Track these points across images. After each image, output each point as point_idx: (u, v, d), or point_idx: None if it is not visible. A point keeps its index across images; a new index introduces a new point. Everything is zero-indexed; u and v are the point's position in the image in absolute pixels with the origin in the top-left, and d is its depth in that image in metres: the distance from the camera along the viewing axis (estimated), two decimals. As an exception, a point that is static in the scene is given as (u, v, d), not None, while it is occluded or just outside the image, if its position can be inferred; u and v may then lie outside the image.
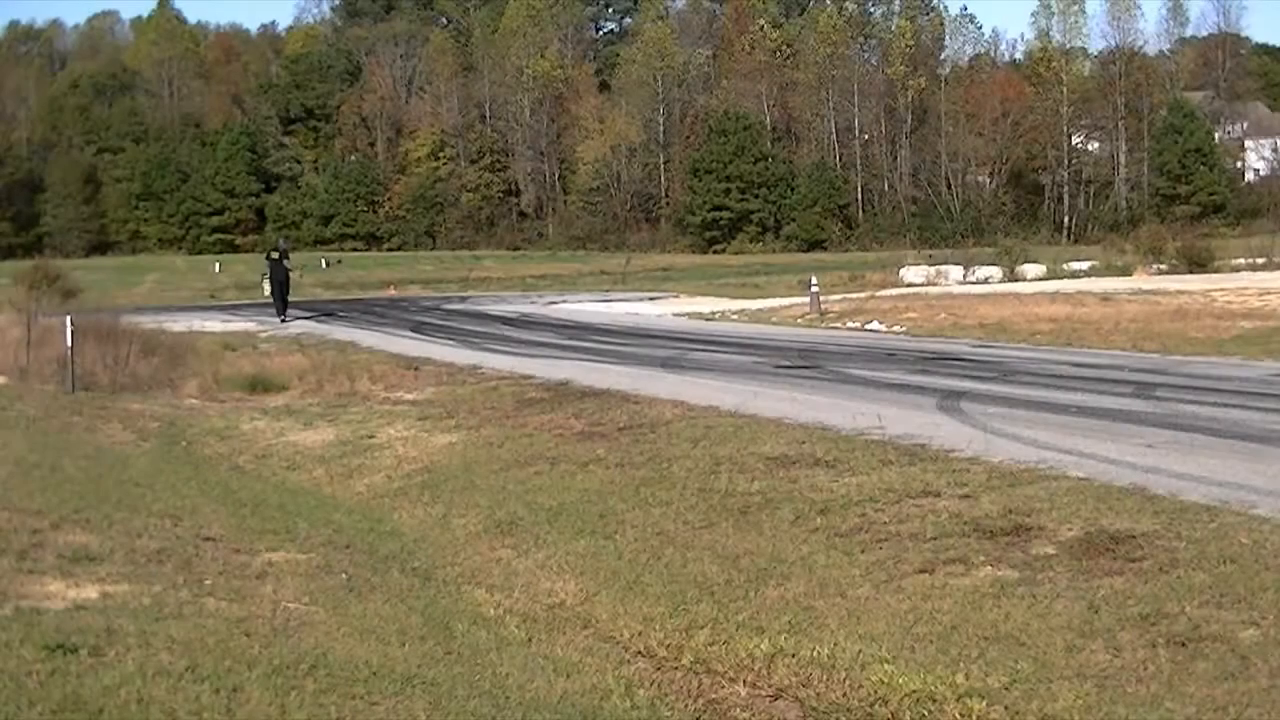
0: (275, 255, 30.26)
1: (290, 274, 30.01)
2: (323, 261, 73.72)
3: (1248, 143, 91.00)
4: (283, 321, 27.69)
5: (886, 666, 5.51)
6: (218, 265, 62.35)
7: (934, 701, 5.16)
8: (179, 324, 25.83)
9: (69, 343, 16.00)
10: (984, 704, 5.07)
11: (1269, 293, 22.57)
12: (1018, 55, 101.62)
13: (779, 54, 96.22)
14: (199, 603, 5.93)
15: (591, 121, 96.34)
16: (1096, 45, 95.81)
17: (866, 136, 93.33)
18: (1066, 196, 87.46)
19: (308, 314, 30.79)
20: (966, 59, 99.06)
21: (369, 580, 7.05)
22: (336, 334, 24.35)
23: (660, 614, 6.59)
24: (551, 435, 11.21)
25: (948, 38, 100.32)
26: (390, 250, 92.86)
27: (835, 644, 5.83)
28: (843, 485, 8.19)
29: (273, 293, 29.43)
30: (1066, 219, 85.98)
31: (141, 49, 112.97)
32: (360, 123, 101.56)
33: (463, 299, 41.38)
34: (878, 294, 29.37)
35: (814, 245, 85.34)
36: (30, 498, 8.02)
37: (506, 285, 53.31)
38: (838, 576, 6.69)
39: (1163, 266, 36.51)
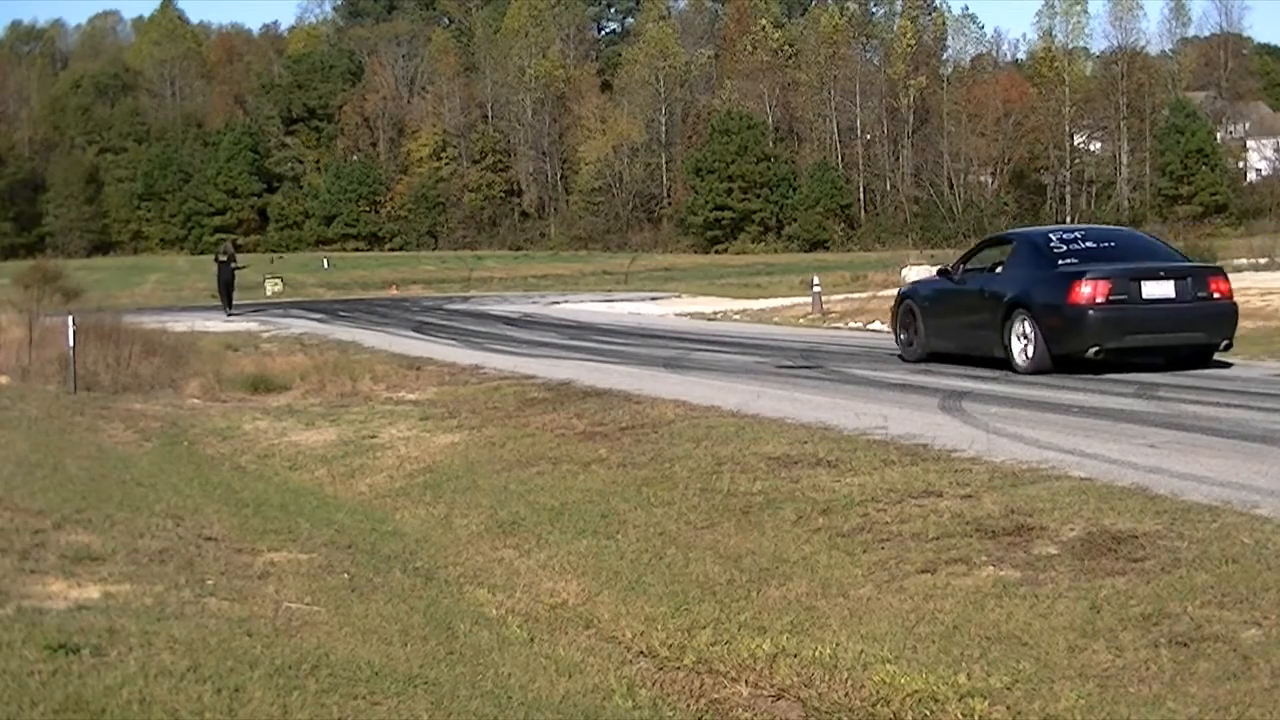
0: (223, 258, 34.28)
1: (237, 274, 33.95)
2: (324, 261, 73.72)
3: (1249, 143, 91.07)
4: (229, 316, 31.55)
5: (889, 666, 5.51)
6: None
7: (936, 701, 5.16)
8: (181, 324, 25.86)
9: (71, 343, 16.01)
10: (986, 704, 5.07)
11: (1271, 293, 22.55)
12: (1019, 55, 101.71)
13: (781, 54, 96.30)
14: (201, 603, 5.93)
15: (594, 121, 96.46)
16: (1099, 45, 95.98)
17: (869, 136, 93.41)
18: (1069, 196, 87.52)
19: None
20: (968, 59, 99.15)
21: (371, 580, 7.06)
22: (338, 334, 24.38)
23: (662, 614, 6.59)
24: (554, 435, 11.21)
25: (949, 38, 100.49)
26: (392, 250, 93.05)
27: (837, 644, 5.83)
28: (845, 485, 8.19)
29: (219, 291, 33.83)
30: (1069, 219, 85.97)
31: (143, 49, 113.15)
32: (362, 123, 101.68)
33: (465, 299, 41.42)
34: (880, 294, 29.35)
35: (816, 245, 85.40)
36: (32, 497, 8.02)
37: (509, 285, 53.36)
38: (840, 576, 6.68)
39: (1165, 266, 36.43)
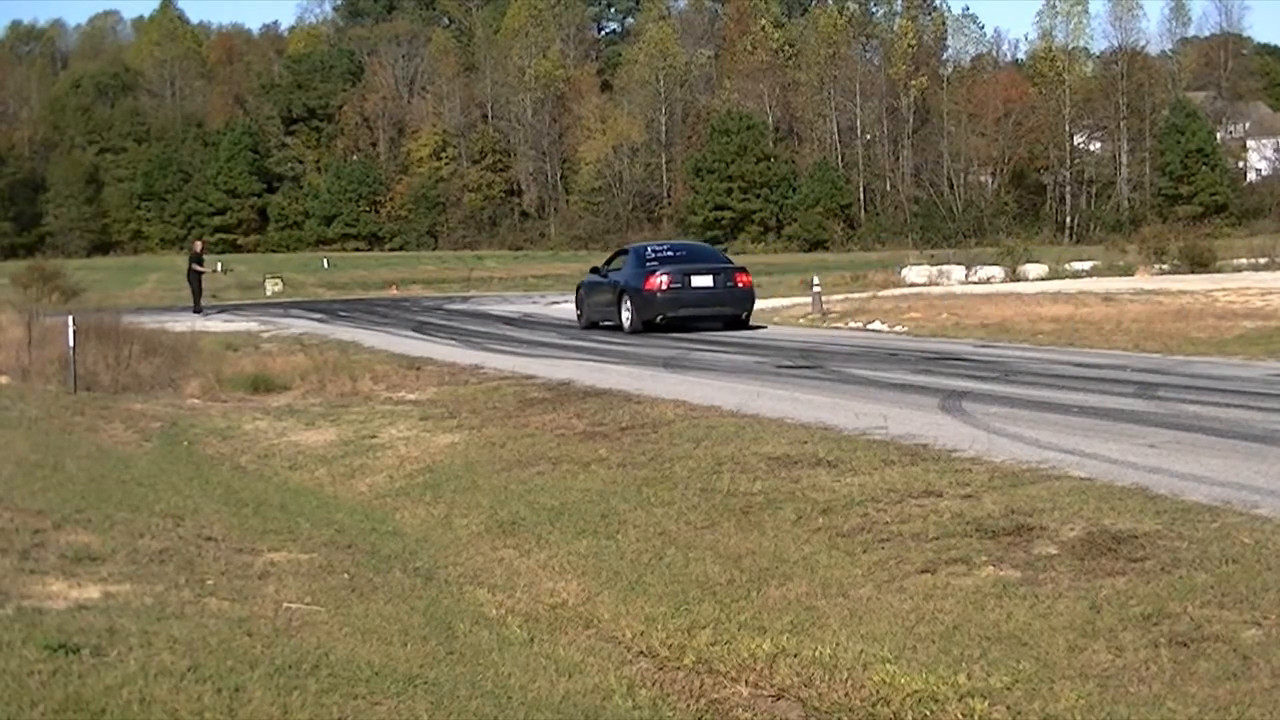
0: (189, 259, 35.42)
1: (202, 274, 34.73)
2: (324, 261, 73.75)
3: (1249, 142, 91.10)
4: (198, 313, 32.25)
5: (889, 666, 5.51)
6: (219, 265, 62.29)
7: (936, 701, 5.16)
8: (181, 324, 25.85)
9: (71, 343, 16.01)
10: (986, 704, 5.07)
11: (1271, 292, 22.56)
12: (1019, 55, 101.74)
13: (781, 54, 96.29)
14: (201, 603, 5.93)
15: (593, 121, 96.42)
16: (1099, 45, 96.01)
17: (869, 136, 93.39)
18: (1068, 196, 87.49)
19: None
20: (968, 59, 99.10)
21: (371, 580, 7.06)
22: (339, 334, 24.38)
23: (662, 614, 6.59)
24: (553, 435, 11.21)
25: (949, 37, 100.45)
26: (392, 250, 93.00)
27: (837, 644, 5.83)
28: (845, 485, 8.19)
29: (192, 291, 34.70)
30: (1068, 219, 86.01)
31: (143, 49, 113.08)
32: (362, 123, 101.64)
33: (465, 299, 41.43)
34: (880, 294, 29.38)
35: (816, 245, 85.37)
36: (33, 497, 8.02)
37: (509, 285, 53.36)
38: (840, 576, 6.68)
39: (1165, 266, 36.50)
